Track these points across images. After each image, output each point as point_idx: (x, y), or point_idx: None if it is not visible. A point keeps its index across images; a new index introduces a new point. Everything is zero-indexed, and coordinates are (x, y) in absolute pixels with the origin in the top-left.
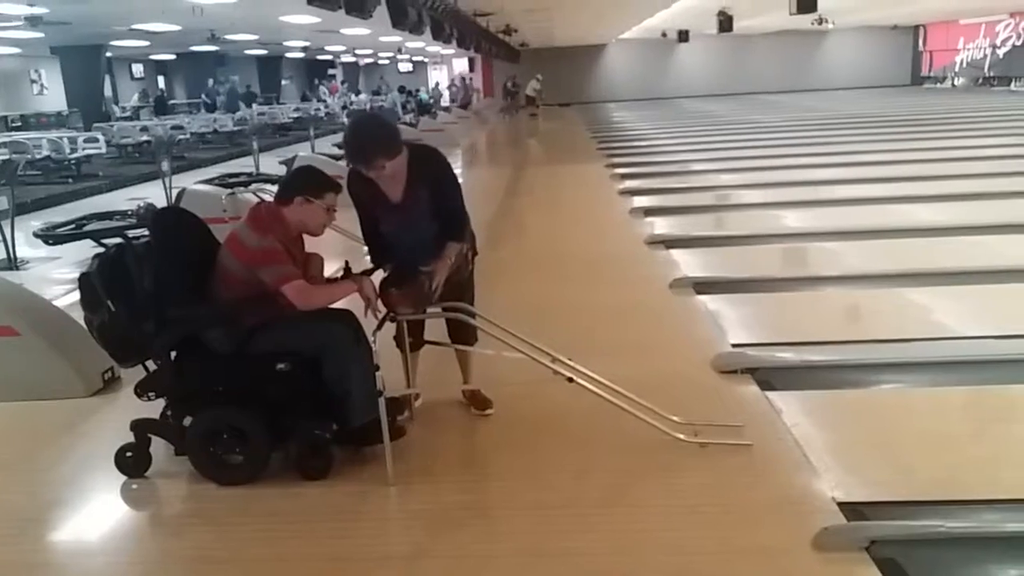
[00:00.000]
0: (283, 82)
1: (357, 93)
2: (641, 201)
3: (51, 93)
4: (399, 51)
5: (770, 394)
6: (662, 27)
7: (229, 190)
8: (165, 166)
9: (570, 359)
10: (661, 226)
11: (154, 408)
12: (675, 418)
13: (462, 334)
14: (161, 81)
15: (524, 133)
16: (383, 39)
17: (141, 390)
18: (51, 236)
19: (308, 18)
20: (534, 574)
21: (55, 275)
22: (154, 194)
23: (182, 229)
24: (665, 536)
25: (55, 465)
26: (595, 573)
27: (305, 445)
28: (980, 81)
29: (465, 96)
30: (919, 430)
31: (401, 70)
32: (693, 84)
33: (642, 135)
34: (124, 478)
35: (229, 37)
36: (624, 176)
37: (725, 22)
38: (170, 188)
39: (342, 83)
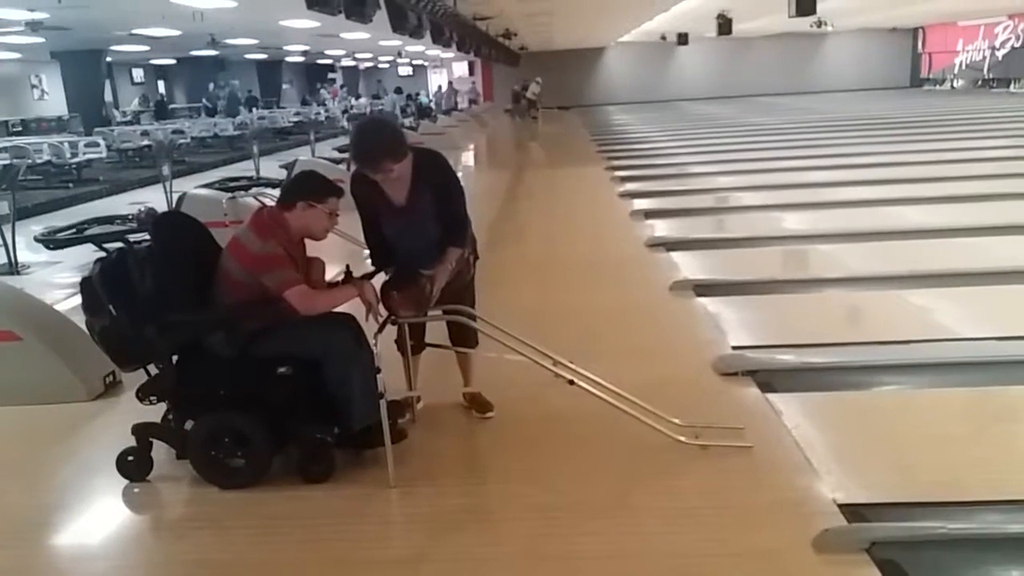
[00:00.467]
0: (283, 86)
1: (357, 97)
2: (641, 204)
3: (52, 98)
4: (399, 55)
5: (771, 396)
6: (661, 30)
7: (230, 194)
8: (166, 170)
9: (571, 362)
10: (661, 228)
11: (156, 412)
12: (676, 420)
13: (463, 337)
14: (161, 86)
15: (524, 136)
16: (383, 43)
17: (143, 394)
18: (52, 241)
19: (308, 22)
20: None
21: (56, 279)
22: (155, 198)
23: (183, 233)
24: (666, 538)
25: (57, 469)
26: None
27: (307, 448)
28: (979, 83)
29: (449, 101)
30: (920, 432)
31: (401, 74)
32: (693, 87)
33: (642, 138)
34: (126, 482)
35: (229, 41)
36: (624, 179)
37: (724, 25)
38: (171, 192)
39: (341, 87)
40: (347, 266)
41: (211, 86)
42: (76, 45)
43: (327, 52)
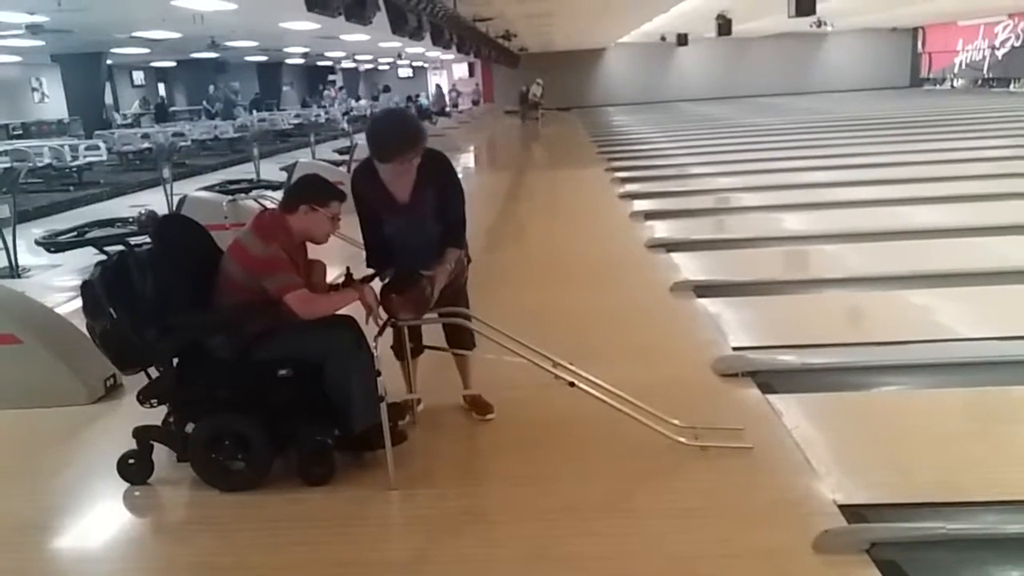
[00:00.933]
0: (284, 88)
1: (357, 99)
2: (641, 205)
3: (52, 101)
4: (399, 56)
5: (771, 397)
6: (661, 31)
7: (230, 197)
8: (166, 173)
9: (571, 363)
10: (661, 229)
11: (156, 415)
12: (676, 422)
13: (460, 339)
14: (162, 88)
15: (524, 137)
16: (383, 45)
17: (143, 397)
18: (53, 244)
19: (308, 24)
20: None
21: (57, 283)
22: (155, 201)
23: (184, 236)
24: (666, 539)
25: (57, 472)
26: None
27: (307, 451)
28: (979, 82)
29: (439, 103)
30: (920, 432)
31: (401, 75)
32: (692, 87)
33: (642, 139)
34: (126, 485)
35: (229, 44)
36: (624, 180)
37: (724, 26)
38: (171, 195)
39: (340, 89)
40: (347, 268)
41: (211, 88)
42: (76, 48)
43: (327, 54)
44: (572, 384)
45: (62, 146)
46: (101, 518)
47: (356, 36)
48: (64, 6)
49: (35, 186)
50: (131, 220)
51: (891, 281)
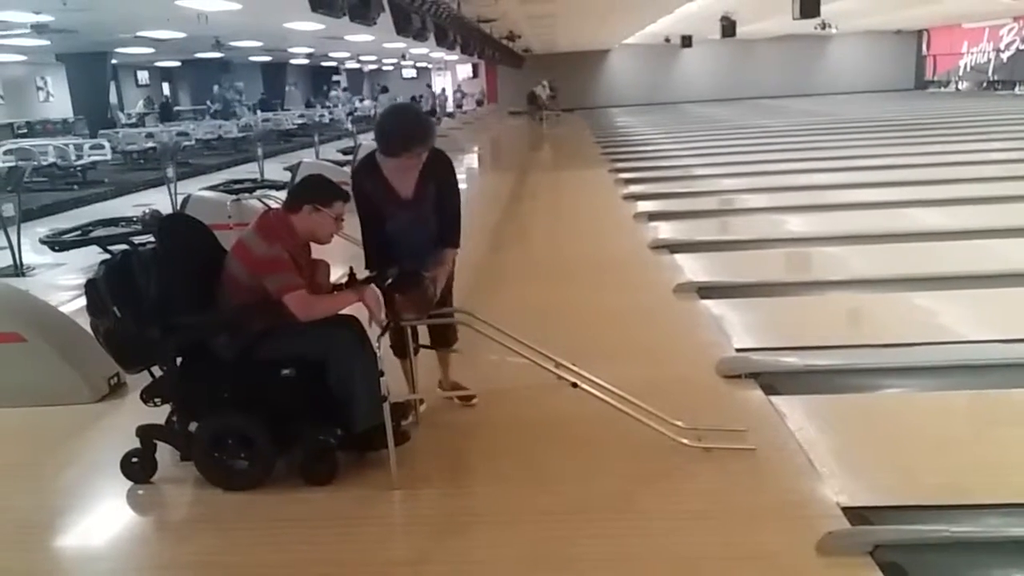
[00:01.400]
0: (288, 88)
1: (361, 99)
2: (645, 205)
3: (57, 100)
4: (403, 57)
5: (774, 398)
6: (665, 32)
7: (234, 196)
8: (170, 172)
9: (574, 364)
10: (665, 230)
11: (160, 414)
12: (679, 423)
13: (445, 336)
14: (166, 88)
15: (528, 138)
16: (387, 45)
17: (147, 396)
18: (57, 243)
19: (312, 25)
20: None
21: (61, 281)
22: (159, 200)
23: (187, 236)
24: (669, 541)
25: (61, 471)
26: None
27: (310, 450)
28: (984, 85)
29: (431, 105)
30: (924, 434)
31: (405, 76)
32: (697, 89)
33: (646, 140)
34: (130, 483)
35: (234, 44)
36: (628, 181)
37: (728, 27)
38: (175, 194)
39: (344, 90)
40: (350, 268)
41: (215, 88)
42: (81, 47)
43: (331, 54)
44: (575, 385)
45: (67, 145)
46: (104, 516)
47: (360, 37)
48: (69, 6)
49: (40, 185)
50: (135, 219)
51: (895, 283)
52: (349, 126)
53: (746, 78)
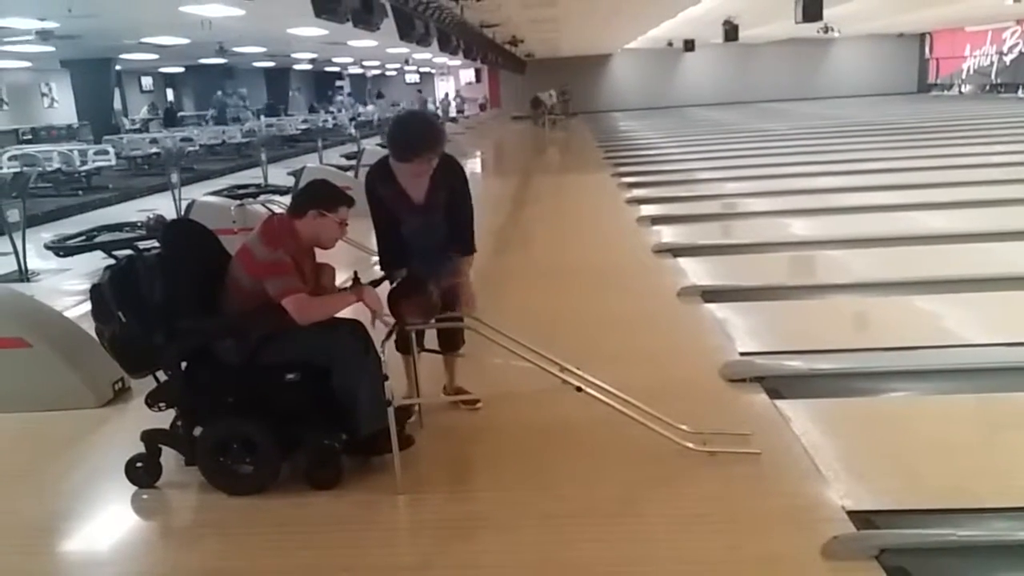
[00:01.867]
0: (291, 93)
1: (364, 104)
2: (648, 210)
3: (61, 106)
4: (406, 62)
5: (779, 402)
6: (668, 36)
7: (238, 201)
8: (174, 178)
9: (578, 368)
10: (668, 234)
11: (164, 419)
12: (684, 427)
13: (453, 341)
14: (170, 93)
15: (531, 142)
16: (390, 50)
17: (151, 401)
18: (62, 248)
19: (316, 30)
20: None
21: (66, 287)
22: (163, 206)
23: (192, 241)
24: (674, 545)
25: (66, 475)
26: None
27: (314, 455)
28: (987, 88)
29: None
30: (929, 438)
31: (408, 81)
32: (699, 93)
33: (649, 144)
34: (134, 488)
35: (237, 49)
36: (631, 185)
37: (731, 31)
38: (179, 200)
39: (348, 95)
40: (355, 272)
41: (219, 93)
42: (86, 54)
43: (335, 60)
44: (579, 389)
45: (71, 151)
46: (109, 521)
47: (363, 42)
48: (74, 12)
49: (44, 190)
50: (139, 224)
51: (899, 286)
52: (352, 131)
53: (749, 82)
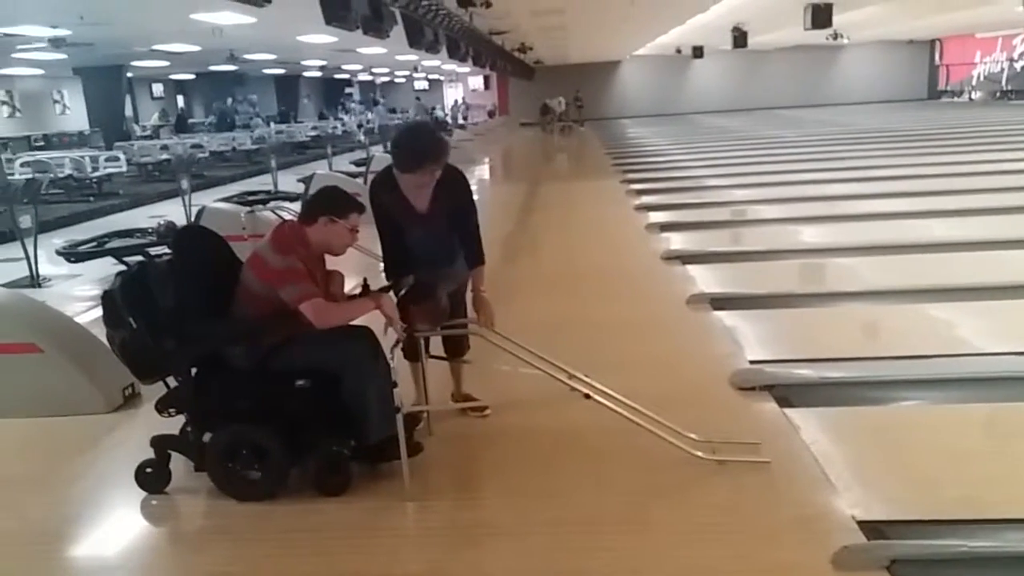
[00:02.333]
0: (301, 100)
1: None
2: (657, 217)
3: (73, 113)
4: (415, 69)
5: (788, 411)
6: (677, 43)
7: (248, 208)
8: (184, 184)
9: (587, 375)
10: (677, 241)
11: (174, 424)
12: (693, 435)
13: (458, 347)
14: (180, 100)
15: (539, 149)
16: (399, 58)
17: (161, 406)
18: (73, 254)
19: (326, 38)
20: None
21: (77, 292)
22: (174, 212)
23: (202, 247)
24: (683, 554)
25: (75, 481)
26: None
27: (323, 461)
28: (998, 95)
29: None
30: (940, 447)
31: (417, 88)
32: (708, 100)
33: (657, 151)
34: (144, 494)
35: (248, 57)
36: (640, 192)
37: (740, 38)
38: (190, 206)
39: (359, 102)
40: (364, 279)
41: (229, 100)
42: (97, 61)
43: (344, 67)
44: (588, 396)
45: (82, 157)
46: (118, 527)
47: (373, 49)
48: (86, 20)
49: (56, 197)
50: (150, 231)
51: (909, 295)
52: (362, 138)
53: (758, 88)
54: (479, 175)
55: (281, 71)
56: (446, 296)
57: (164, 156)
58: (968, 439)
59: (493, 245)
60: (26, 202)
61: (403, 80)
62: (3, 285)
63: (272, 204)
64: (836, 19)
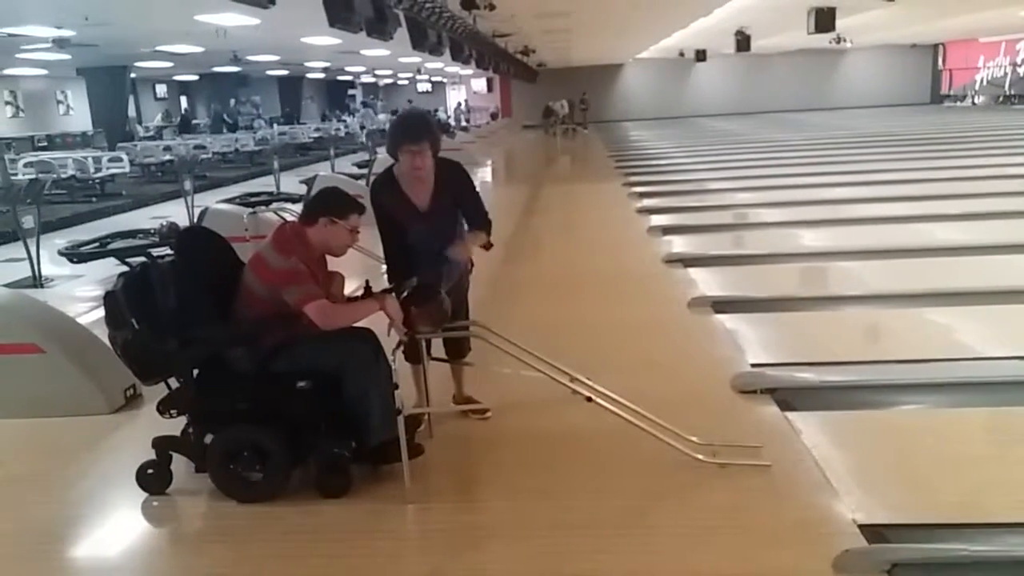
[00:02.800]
0: (304, 102)
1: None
2: (659, 220)
3: (77, 113)
4: (418, 71)
5: (789, 414)
6: (679, 47)
7: (251, 209)
8: (187, 185)
9: (588, 378)
10: (679, 244)
11: (176, 425)
12: (694, 438)
13: (459, 349)
14: (184, 101)
15: (542, 152)
16: (402, 59)
17: (163, 407)
18: (76, 254)
19: (329, 39)
20: None
21: (79, 293)
22: (177, 213)
23: (205, 248)
24: (683, 558)
25: (77, 481)
26: None
27: (324, 463)
28: (1000, 99)
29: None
30: (941, 451)
31: (420, 90)
32: (711, 103)
33: (660, 154)
34: (145, 495)
35: (251, 58)
36: (642, 194)
37: (743, 42)
38: (192, 207)
39: (363, 104)
40: (367, 281)
41: (232, 102)
42: (101, 61)
43: (348, 68)
44: (589, 399)
45: (86, 158)
46: (119, 527)
47: (376, 51)
48: (90, 21)
49: (59, 197)
50: (153, 232)
51: (911, 299)
52: (364, 139)
53: (760, 92)
54: (481, 177)
55: (284, 72)
56: (448, 298)
57: (167, 157)
58: (969, 443)
59: (495, 247)
60: (29, 202)
61: (406, 82)
62: (6, 285)
63: (275, 205)
64: (839, 23)
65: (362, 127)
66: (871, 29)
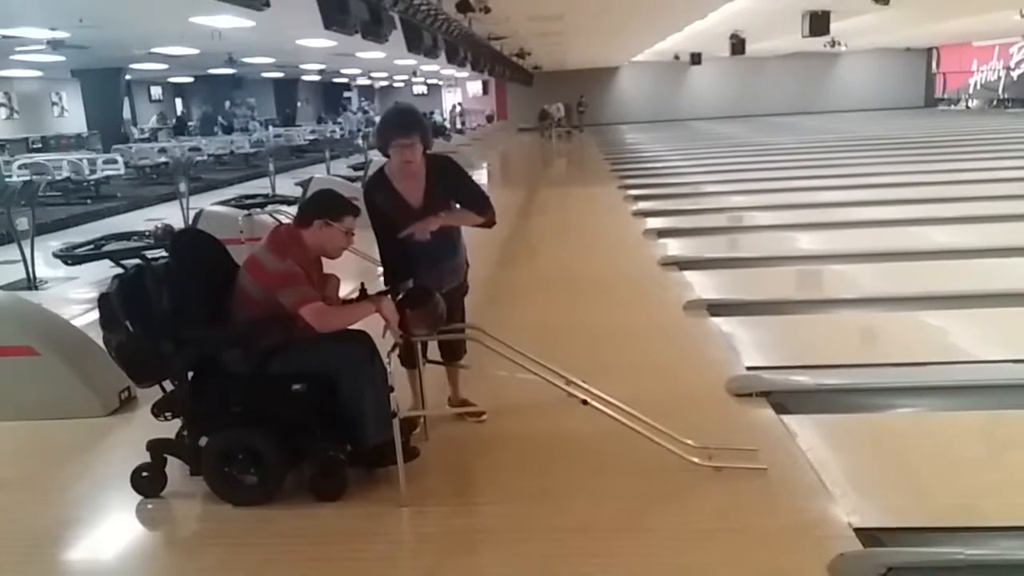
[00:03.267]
0: (299, 104)
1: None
2: (654, 222)
3: (71, 115)
4: (414, 74)
5: (785, 417)
6: (675, 50)
7: (246, 211)
8: (182, 187)
9: (584, 381)
10: (674, 247)
11: (170, 428)
12: (689, 441)
13: (454, 351)
14: (179, 103)
15: (538, 154)
16: (398, 62)
17: (158, 410)
18: (70, 256)
19: (324, 42)
20: None
21: (74, 295)
22: (172, 215)
23: (200, 250)
24: (679, 561)
25: (71, 484)
26: None
27: (319, 466)
28: (994, 103)
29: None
30: (936, 455)
31: (415, 92)
32: (706, 106)
33: (655, 157)
34: (140, 498)
35: (246, 60)
36: (637, 197)
37: (737, 45)
38: (187, 209)
39: (360, 108)
40: (362, 283)
41: (227, 104)
42: (96, 63)
43: (343, 71)
44: (585, 402)
45: (80, 160)
46: (114, 530)
47: (372, 53)
48: (85, 22)
49: (54, 199)
50: (148, 234)
51: (906, 302)
52: (360, 142)
53: (755, 95)
54: (477, 180)
55: (280, 74)
56: (443, 301)
57: (162, 159)
58: (965, 447)
59: (490, 249)
60: (23, 204)
61: (402, 85)
62: (0, 287)
63: (270, 207)
64: (834, 27)
65: (358, 129)
66: (865, 32)
